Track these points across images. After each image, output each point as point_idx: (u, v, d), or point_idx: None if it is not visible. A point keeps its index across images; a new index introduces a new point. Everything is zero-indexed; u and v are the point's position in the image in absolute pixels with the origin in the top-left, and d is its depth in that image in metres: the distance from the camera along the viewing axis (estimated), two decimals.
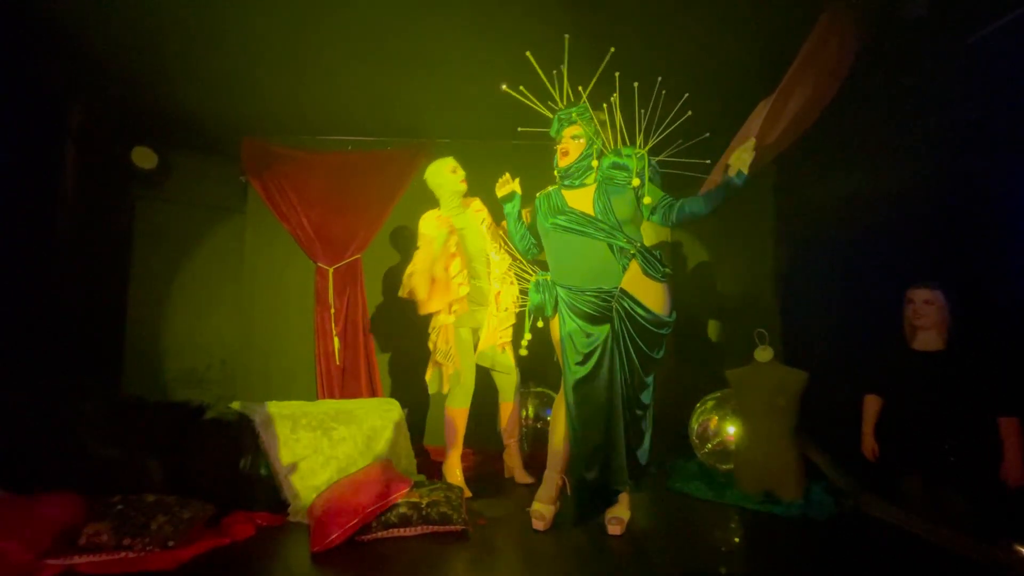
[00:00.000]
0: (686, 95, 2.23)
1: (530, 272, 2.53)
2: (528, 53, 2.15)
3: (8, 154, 2.77)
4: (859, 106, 2.82)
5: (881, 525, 2.29)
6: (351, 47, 2.80)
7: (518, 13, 2.49)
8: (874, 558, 2.05)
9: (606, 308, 2.18)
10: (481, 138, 3.78)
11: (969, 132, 2.43)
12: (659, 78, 2.22)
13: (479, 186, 3.05)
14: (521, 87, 2.22)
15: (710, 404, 3.11)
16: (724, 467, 2.92)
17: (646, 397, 2.22)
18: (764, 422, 2.70)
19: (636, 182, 2.22)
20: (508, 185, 2.45)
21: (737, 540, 2.22)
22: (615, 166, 2.27)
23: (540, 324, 2.35)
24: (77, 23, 2.57)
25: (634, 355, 2.18)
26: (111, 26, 2.61)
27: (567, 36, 2.15)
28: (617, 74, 2.20)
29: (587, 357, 2.18)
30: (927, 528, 2.13)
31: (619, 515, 2.22)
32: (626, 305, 2.18)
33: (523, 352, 2.39)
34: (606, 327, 2.18)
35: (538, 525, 2.23)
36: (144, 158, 3.64)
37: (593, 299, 2.19)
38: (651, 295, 2.19)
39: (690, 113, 2.24)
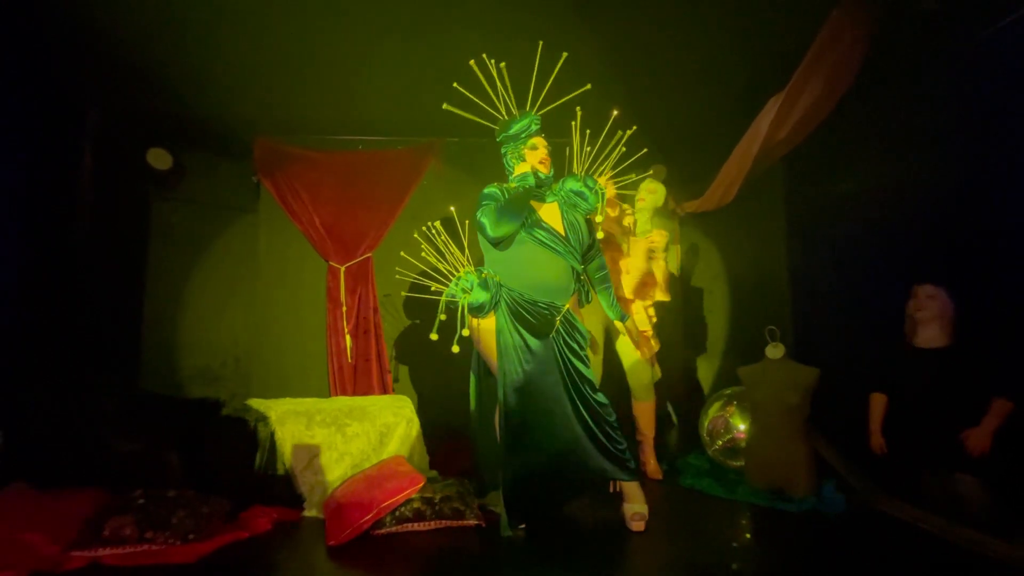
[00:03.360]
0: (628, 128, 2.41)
1: (467, 266, 2.35)
2: (473, 62, 2.20)
3: (29, 156, 2.84)
4: (870, 102, 2.80)
5: (894, 522, 2.28)
6: (361, 49, 2.83)
7: (526, 13, 2.50)
8: (886, 555, 2.04)
9: (550, 322, 2.25)
10: (491, 136, 3.80)
11: (981, 128, 2.41)
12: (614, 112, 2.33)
13: (487, 183, 3.06)
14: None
15: (721, 401, 3.12)
16: (735, 464, 2.92)
17: (601, 397, 2.27)
18: (775, 419, 2.70)
19: (600, 218, 2.30)
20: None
21: (748, 536, 2.23)
22: (577, 193, 2.30)
23: (465, 332, 2.22)
24: (95, 30, 2.62)
25: (576, 366, 2.25)
26: (127, 32, 2.66)
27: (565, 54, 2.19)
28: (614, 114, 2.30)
29: (528, 362, 2.20)
30: (941, 525, 2.12)
31: (640, 511, 2.24)
32: (571, 321, 2.29)
33: (455, 349, 2.21)
34: (546, 339, 2.23)
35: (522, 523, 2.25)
36: (159, 159, 3.70)
37: (544, 311, 2.24)
38: (579, 316, 2.39)
39: (645, 151, 2.55)
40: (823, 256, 3.33)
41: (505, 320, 2.22)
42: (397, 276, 2.43)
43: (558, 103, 2.27)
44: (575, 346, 2.27)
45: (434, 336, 2.18)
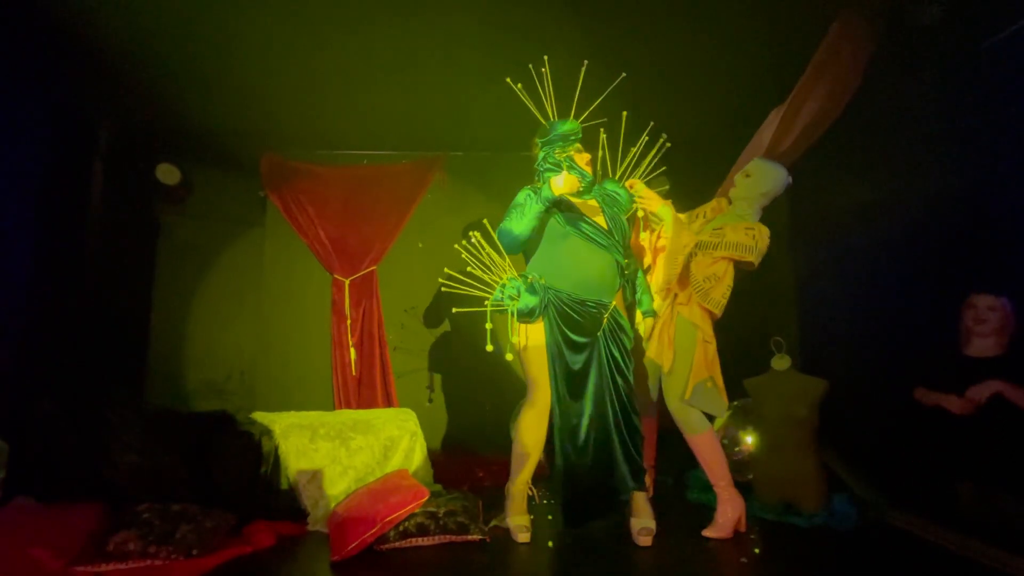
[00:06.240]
0: (651, 124, 2.45)
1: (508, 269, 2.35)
2: (509, 79, 2.23)
3: (40, 171, 2.89)
4: (874, 112, 2.81)
5: (906, 536, 2.24)
6: (366, 65, 2.88)
7: (529, 30, 2.53)
8: (899, 570, 2.00)
9: (597, 321, 2.23)
10: (494, 151, 3.84)
11: (985, 137, 2.41)
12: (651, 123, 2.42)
13: (491, 197, 3.08)
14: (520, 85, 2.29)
15: (727, 413, 3.08)
16: (743, 477, 2.88)
17: (634, 402, 2.27)
18: (783, 431, 2.67)
19: (639, 213, 2.43)
20: (575, 184, 2.21)
21: (757, 552, 2.19)
22: (615, 192, 2.39)
23: (517, 340, 2.24)
24: (106, 47, 2.68)
25: (620, 367, 2.24)
26: (138, 49, 2.72)
27: (585, 61, 2.23)
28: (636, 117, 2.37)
29: (575, 366, 2.19)
30: (956, 540, 2.08)
31: (648, 526, 2.22)
32: (618, 320, 2.27)
33: (509, 357, 2.27)
34: (591, 338, 2.22)
35: (526, 537, 2.23)
36: (168, 175, 3.75)
37: (592, 310, 2.23)
38: (625, 315, 2.34)
39: (668, 145, 2.49)
40: (828, 266, 3.32)
41: (552, 323, 2.20)
42: (443, 288, 2.37)
43: (599, 100, 2.29)
44: (620, 347, 2.25)
45: (490, 347, 2.18)
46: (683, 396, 2.34)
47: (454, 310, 2.33)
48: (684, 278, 2.39)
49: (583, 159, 2.34)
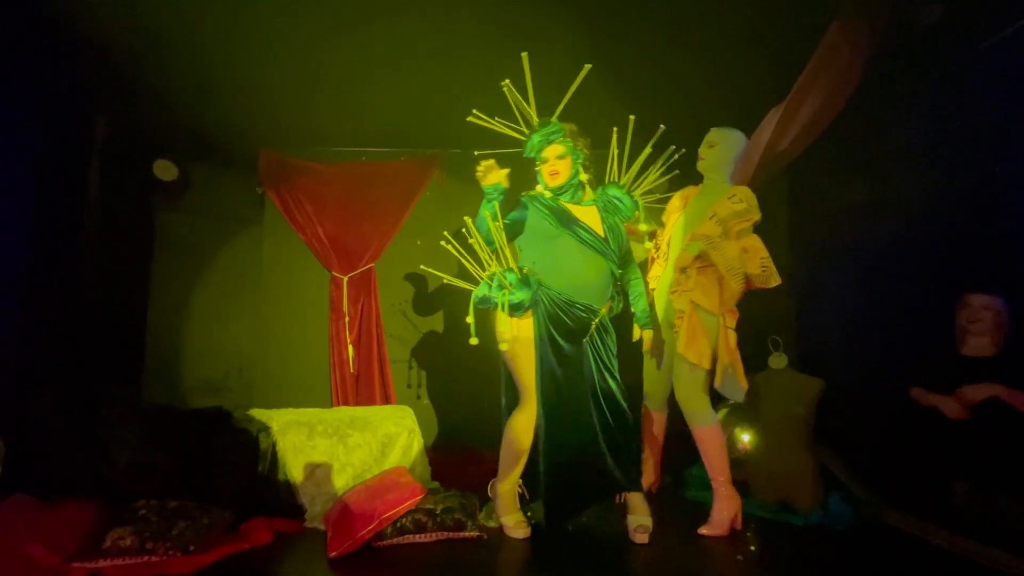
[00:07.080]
0: (661, 127, 2.42)
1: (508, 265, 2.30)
2: (507, 82, 2.20)
3: (36, 167, 2.88)
4: (873, 112, 2.81)
5: (902, 535, 2.25)
6: (365, 62, 2.87)
7: (529, 29, 2.52)
8: (895, 569, 2.01)
9: (586, 326, 2.24)
10: (493, 148, 3.82)
11: (986, 137, 2.41)
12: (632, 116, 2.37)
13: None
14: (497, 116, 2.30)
15: (725, 411, 3.09)
16: (739, 475, 2.88)
17: (625, 403, 2.28)
18: (779, 430, 2.68)
19: (644, 227, 2.43)
20: (495, 173, 2.20)
21: (753, 550, 2.20)
22: (617, 198, 2.34)
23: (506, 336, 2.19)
24: (103, 42, 2.67)
25: (606, 370, 2.27)
26: (135, 45, 2.70)
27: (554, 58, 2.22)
28: (631, 118, 2.36)
29: (561, 367, 2.20)
30: (951, 539, 2.09)
31: (644, 523, 2.22)
32: (606, 326, 2.31)
33: (503, 347, 2.21)
34: (579, 343, 2.24)
35: (527, 532, 2.24)
36: (165, 170, 3.74)
37: (581, 314, 2.23)
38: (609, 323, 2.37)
39: (683, 150, 2.52)
40: (826, 265, 3.32)
41: (541, 321, 2.20)
42: (437, 277, 2.34)
43: (568, 95, 2.24)
44: (606, 352, 2.28)
45: (474, 341, 2.15)
46: (712, 383, 2.34)
47: (445, 280, 2.29)
48: (748, 281, 2.36)
49: (547, 169, 2.29)
